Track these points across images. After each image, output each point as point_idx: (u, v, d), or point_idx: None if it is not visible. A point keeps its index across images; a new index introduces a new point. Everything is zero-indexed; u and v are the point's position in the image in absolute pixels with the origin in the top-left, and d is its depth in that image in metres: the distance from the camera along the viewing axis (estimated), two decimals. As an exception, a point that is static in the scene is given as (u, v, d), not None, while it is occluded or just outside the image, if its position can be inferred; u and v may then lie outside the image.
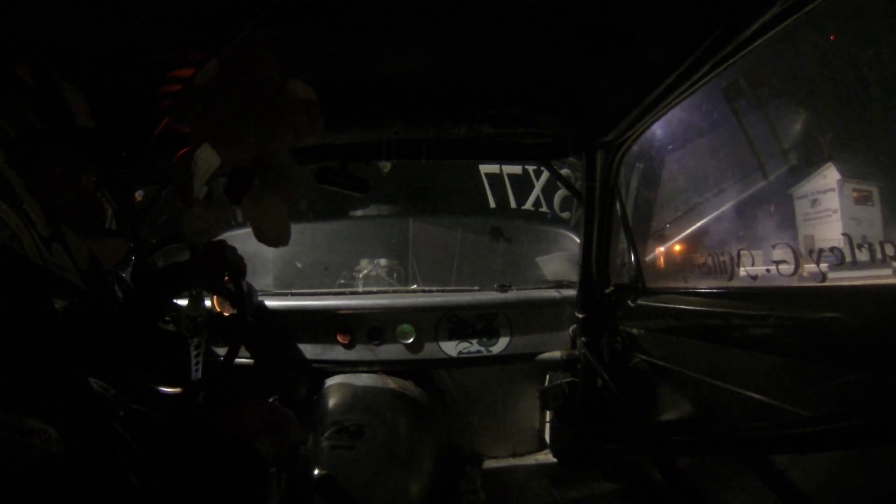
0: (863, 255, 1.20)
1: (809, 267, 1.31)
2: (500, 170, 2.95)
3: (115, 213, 2.03)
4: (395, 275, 2.73)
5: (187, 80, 1.26)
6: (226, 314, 2.01)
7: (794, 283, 1.36)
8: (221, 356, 1.77)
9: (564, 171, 2.30)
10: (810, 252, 1.36)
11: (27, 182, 0.86)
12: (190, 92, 1.26)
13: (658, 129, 2.04)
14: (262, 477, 1.02)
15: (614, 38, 1.34)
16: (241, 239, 1.97)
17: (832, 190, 1.70)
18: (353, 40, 1.39)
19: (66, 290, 0.95)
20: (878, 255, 1.18)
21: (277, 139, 1.33)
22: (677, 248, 2.20)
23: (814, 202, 1.74)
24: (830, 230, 1.68)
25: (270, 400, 2.02)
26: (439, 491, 1.84)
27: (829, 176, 1.74)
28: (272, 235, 1.43)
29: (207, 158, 1.30)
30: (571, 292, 2.21)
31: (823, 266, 1.25)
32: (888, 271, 1.17)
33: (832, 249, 1.26)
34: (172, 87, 1.34)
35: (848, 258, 1.22)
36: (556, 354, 2.20)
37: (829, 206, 1.70)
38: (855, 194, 1.66)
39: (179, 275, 1.28)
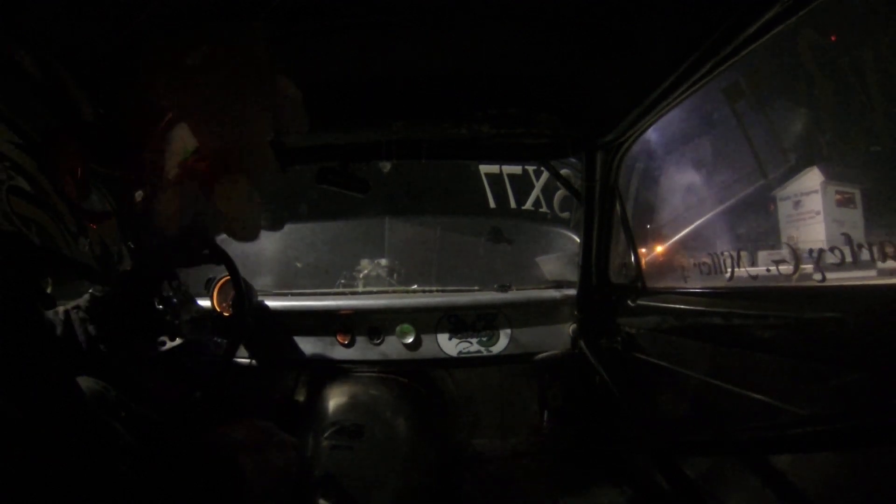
0: (848, 257, 1.21)
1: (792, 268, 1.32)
2: (500, 170, 2.95)
3: (115, 213, 2.03)
4: (395, 275, 2.73)
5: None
6: (225, 315, 2.01)
7: (794, 283, 1.37)
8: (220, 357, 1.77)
9: (564, 171, 2.30)
10: (794, 253, 1.37)
11: (54, 183, 0.89)
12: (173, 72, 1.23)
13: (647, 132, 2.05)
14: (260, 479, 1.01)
15: (614, 38, 1.34)
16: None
17: (815, 192, 1.71)
18: (353, 40, 1.39)
19: (92, 277, 1.04)
20: (863, 257, 1.19)
21: (257, 124, 1.29)
22: (664, 249, 2.21)
23: (797, 203, 1.75)
24: (814, 232, 1.69)
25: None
26: (439, 491, 1.84)
27: (813, 178, 1.75)
28: (239, 228, 1.36)
29: (182, 137, 1.24)
30: (571, 292, 2.21)
31: (810, 267, 1.26)
32: (873, 272, 1.18)
33: (820, 251, 1.27)
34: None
35: (835, 260, 1.23)
36: (556, 354, 2.20)
37: (812, 208, 1.71)
38: (838, 196, 1.67)
39: (157, 261, 1.28)
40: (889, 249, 1.12)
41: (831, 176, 1.71)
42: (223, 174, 1.31)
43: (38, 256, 0.84)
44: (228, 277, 1.79)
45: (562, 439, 2.20)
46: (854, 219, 1.63)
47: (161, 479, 0.79)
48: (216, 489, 0.87)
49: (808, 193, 1.72)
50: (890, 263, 1.13)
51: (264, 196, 1.41)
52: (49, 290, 1.01)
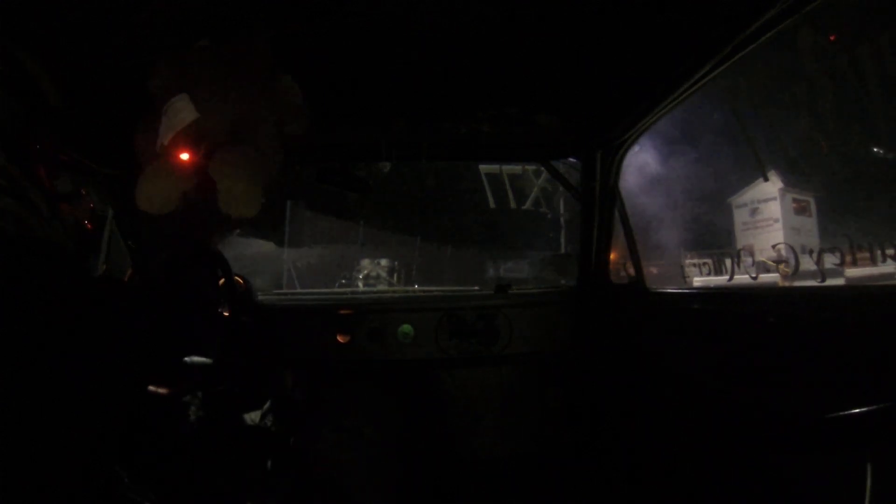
0: (809, 264, 1.22)
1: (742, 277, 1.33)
2: (500, 170, 2.96)
3: (114, 213, 2.03)
4: (395, 275, 2.73)
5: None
6: (225, 314, 2.00)
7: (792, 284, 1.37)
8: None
9: (564, 171, 2.30)
10: (753, 262, 1.39)
11: (25, 171, 0.89)
12: (178, 73, 1.23)
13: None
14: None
15: (615, 38, 1.34)
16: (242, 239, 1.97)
17: (773, 199, 1.71)
18: (354, 40, 1.39)
19: (64, 258, 1.03)
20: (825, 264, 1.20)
21: (259, 110, 1.28)
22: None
23: (754, 211, 1.76)
24: (772, 239, 1.70)
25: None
26: (439, 491, 1.84)
27: (771, 185, 1.75)
28: (235, 201, 1.30)
29: (183, 109, 1.19)
30: (571, 292, 2.21)
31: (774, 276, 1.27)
32: (841, 280, 1.19)
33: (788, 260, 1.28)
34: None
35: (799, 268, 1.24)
36: (556, 354, 2.20)
37: (770, 216, 1.72)
38: (794, 204, 1.67)
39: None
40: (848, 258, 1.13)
41: (788, 183, 1.72)
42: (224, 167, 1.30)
43: (14, 245, 0.85)
44: (224, 279, 1.79)
45: (562, 439, 2.19)
46: (809, 226, 1.64)
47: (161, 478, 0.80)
48: (216, 488, 0.88)
49: (765, 201, 1.74)
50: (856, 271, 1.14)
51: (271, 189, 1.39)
52: None
